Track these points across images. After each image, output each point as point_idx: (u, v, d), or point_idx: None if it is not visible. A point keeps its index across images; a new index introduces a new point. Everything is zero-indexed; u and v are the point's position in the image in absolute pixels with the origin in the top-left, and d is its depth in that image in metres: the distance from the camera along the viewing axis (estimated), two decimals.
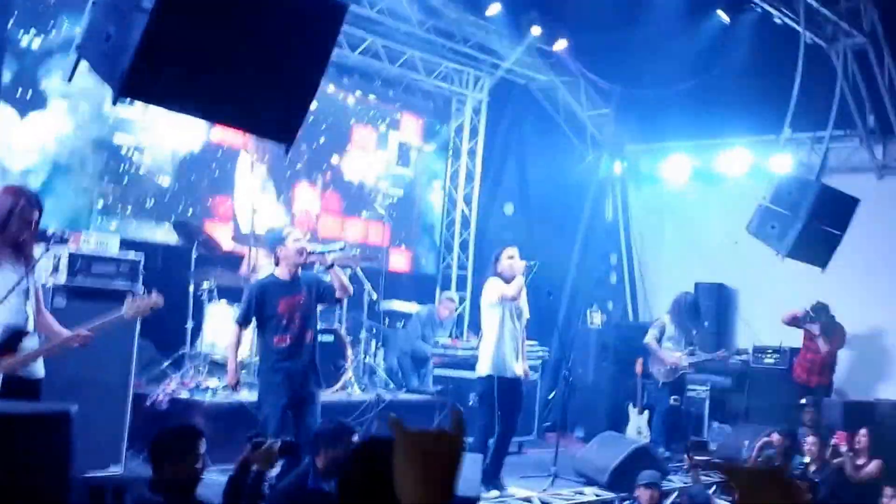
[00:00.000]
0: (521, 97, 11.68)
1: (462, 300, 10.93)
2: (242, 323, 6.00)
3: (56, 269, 5.76)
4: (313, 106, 4.35)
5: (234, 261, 8.70)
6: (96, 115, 8.21)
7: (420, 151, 11.36)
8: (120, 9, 3.25)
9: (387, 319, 9.65)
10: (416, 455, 1.55)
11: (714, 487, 6.75)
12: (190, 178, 9.02)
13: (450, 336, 9.88)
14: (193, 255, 7.80)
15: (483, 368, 6.95)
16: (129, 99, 3.37)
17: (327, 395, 7.07)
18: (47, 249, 4.71)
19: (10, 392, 4.29)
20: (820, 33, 8.82)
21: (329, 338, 8.03)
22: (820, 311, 9.24)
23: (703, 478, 7.14)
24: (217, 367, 7.81)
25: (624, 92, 11.29)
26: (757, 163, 10.67)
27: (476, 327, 9.20)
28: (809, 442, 7.40)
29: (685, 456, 7.32)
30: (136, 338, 6.13)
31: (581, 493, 7.35)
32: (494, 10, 9.64)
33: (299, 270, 6.06)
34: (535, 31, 10.16)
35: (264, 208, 9.34)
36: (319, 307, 6.26)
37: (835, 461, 7.26)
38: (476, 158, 11.60)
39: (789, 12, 8.46)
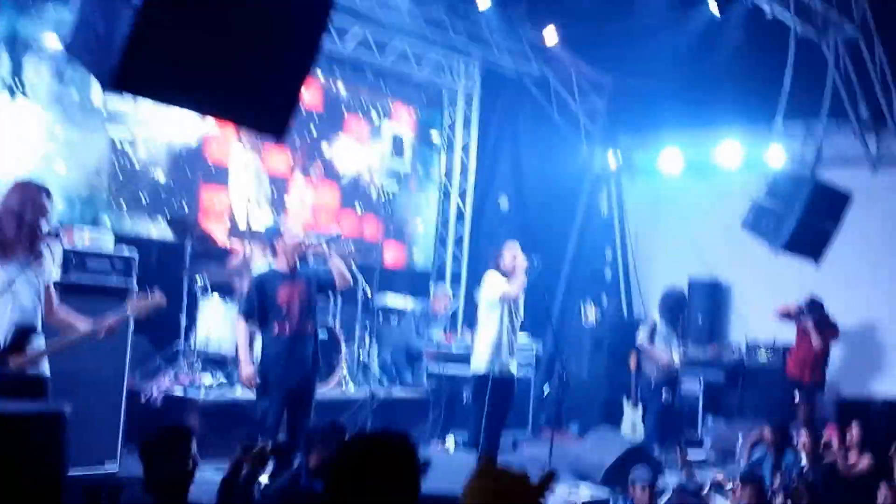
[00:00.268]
0: (514, 89, 11.62)
1: (456, 295, 10.92)
2: (245, 314, 6.02)
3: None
4: (305, 98, 4.35)
5: (229, 256, 8.68)
6: (88, 108, 8.16)
7: (414, 144, 11.32)
8: (108, 3, 3.23)
9: (381, 316, 9.62)
10: (500, 493, 1.58)
11: (708, 486, 6.74)
12: (185, 173, 8.97)
13: (444, 331, 9.86)
14: (188, 251, 7.77)
15: (478, 364, 6.95)
16: (120, 91, 3.36)
17: (321, 392, 7.05)
18: (47, 245, 4.68)
19: (18, 391, 4.27)
20: (811, 24, 8.79)
21: (323, 334, 8.02)
22: (813, 306, 9.24)
23: (696, 475, 7.14)
24: (211, 363, 7.80)
25: (616, 83, 11.27)
26: (751, 155, 10.65)
27: (470, 322, 9.19)
28: (802, 437, 7.40)
29: (677, 450, 7.31)
30: (129, 333, 6.10)
31: (575, 491, 7.33)
32: (485, 4, 9.51)
33: (298, 262, 6.10)
34: (550, 38, 10.07)
35: (259, 202, 9.31)
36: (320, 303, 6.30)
37: (826, 460, 7.25)
38: (470, 152, 11.55)
39: (779, 4, 8.42)
